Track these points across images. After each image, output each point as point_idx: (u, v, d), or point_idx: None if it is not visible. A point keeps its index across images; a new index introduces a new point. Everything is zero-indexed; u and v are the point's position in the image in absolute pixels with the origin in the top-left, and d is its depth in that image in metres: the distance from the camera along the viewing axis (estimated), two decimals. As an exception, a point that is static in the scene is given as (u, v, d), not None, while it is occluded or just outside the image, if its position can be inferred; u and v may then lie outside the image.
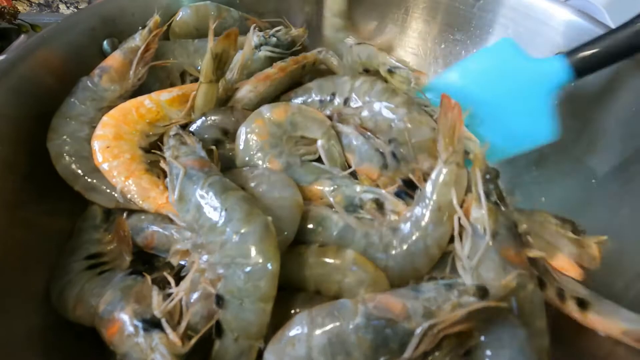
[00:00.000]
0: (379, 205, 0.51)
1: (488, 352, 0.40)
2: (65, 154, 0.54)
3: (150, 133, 0.56)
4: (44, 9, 1.23)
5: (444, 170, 0.48)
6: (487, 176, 0.47)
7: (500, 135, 0.44)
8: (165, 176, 0.49)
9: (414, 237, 0.47)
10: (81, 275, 0.49)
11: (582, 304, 0.46)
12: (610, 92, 0.56)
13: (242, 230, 0.40)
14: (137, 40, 0.60)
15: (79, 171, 0.54)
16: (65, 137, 0.54)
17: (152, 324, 0.40)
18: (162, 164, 0.50)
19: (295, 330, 0.39)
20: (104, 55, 0.64)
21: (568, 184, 0.61)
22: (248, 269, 0.39)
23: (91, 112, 0.56)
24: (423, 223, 0.47)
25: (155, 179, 0.52)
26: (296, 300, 0.45)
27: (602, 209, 0.55)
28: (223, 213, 0.41)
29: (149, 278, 0.46)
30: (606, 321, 0.45)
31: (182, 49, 0.68)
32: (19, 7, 1.05)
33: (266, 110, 0.56)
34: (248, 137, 0.55)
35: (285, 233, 0.45)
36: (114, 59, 0.59)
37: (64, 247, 0.53)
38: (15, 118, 0.53)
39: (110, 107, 0.56)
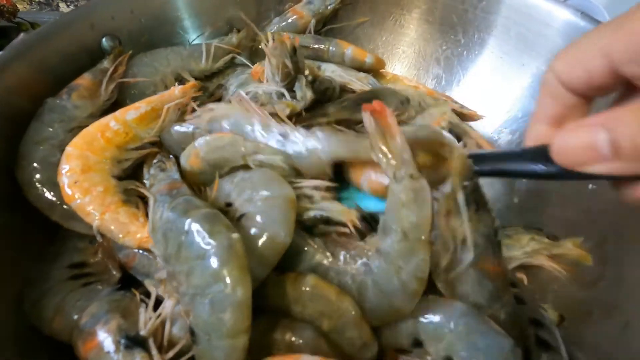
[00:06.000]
0: (328, 223, 0.45)
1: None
2: (37, 183, 0.50)
3: (122, 158, 0.52)
4: (44, 8, 1.23)
5: (397, 189, 0.38)
6: (465, 183, 0.38)
7: None
8: (146, 204, 0.47)
9: (386, 276, 0.40)
10: (63, 284, 0.47)
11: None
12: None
13: (203, 254, 0.36)
14: (105, 63, 0.60)
15: (55, 199, 0.49)
16: (35, 164, 0.51)
17: (135, 341, 0.38)
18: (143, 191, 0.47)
19: None
20: (102, 52, 0.63)
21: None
22: (210, 298, 0.34)
23: (60, 135, 0.53)
24: (392, 257, 0.39)
25: (134, 210, 0.49)
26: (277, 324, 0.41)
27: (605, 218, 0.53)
28: (184, 237, 0.37)
29: (138, 295, 0.44)
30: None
31: (175, 54, 0.66)
32: (18, 6, 1.05)
33: (186, 163, 0.51)
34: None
35: (283, 235, 0.40)
36: (83, 79, 0.58)
37: (44, 252, 0.50)
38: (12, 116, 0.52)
39: (81, 128, 0.52)
